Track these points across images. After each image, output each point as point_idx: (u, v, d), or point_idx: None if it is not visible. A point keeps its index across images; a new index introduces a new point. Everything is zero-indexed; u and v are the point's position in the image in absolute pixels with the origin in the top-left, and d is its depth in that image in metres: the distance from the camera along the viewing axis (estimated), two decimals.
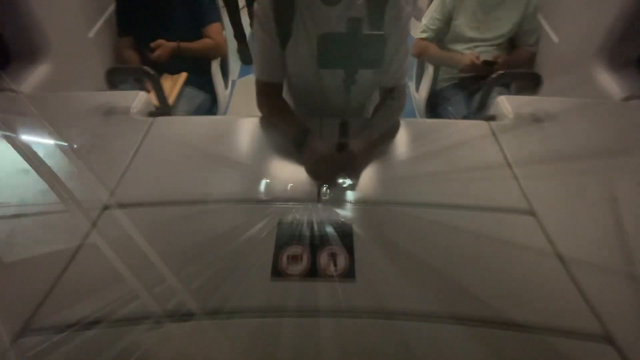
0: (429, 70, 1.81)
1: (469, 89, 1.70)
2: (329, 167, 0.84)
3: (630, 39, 1.30)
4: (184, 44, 1.67)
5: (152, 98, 1.18)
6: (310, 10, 0.94)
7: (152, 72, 1.18)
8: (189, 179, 0.87)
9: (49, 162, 0.85)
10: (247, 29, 2.97)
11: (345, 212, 0.78)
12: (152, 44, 1.61)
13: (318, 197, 0.82)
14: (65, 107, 1.09)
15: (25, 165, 0.85)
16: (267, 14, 0.94)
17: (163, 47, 1.61)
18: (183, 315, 0.61)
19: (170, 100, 1.52)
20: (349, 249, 0.71)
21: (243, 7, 3.04)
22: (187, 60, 1.71)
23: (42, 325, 0.60)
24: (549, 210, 0.78)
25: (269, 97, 1.05)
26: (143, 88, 1.51)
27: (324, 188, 0.84)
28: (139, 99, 1.09)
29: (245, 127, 1.05)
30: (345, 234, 0.74)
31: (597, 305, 0.62)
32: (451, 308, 0.63)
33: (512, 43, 1.75)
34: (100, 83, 1.50)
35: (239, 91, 2.62)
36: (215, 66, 1.82)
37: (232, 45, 2.04)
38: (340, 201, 0.81)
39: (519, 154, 0.92)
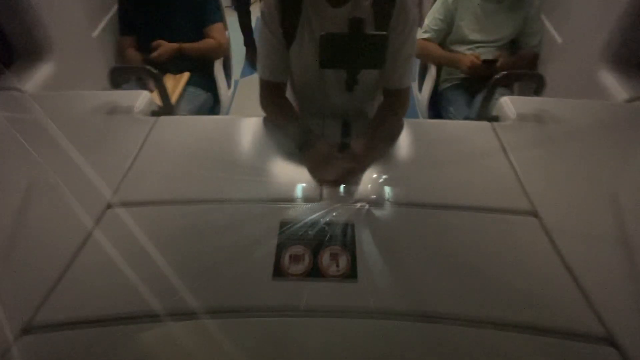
0: (432, 70, 1.81)
1: (471, 90, 1.70)
2: (332, 167, 0.84)
3: (634, 40, 1.30)
4: (186, 45, 1.67)
5: (155, 97, 1.18)
6: (316, 11, 0.94)
7: (155, 71, 1.18)
8: (192, 178, 0.87)
9: (51, 160, 0.85)
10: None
11: (347, 212, 0.78)
12: (153, 44, 1.61)
13: (320, 197, 0.82)
14: (69, 106, 1.09)
15: (28, 164, 0.85)
16: (273, 14, 0.94)
17: (163, 46, 1.61)
18: (185, 314, 0.61)
19: (173, 99, 1.52)
20: (351, 249, 0.71)
21: (255, 1, 3.03)
22: (190, 60, 1.71)
23: (45, 323, 0.60)
24: (551, 211, 0.78)
25: (272, 97, 1.05)
26: (146, 87, 1.51)
27: (326, 188, 0.84)
28: (142, 99, 1.09)
29: (247, 127, 1.05)
30: (347, 234, 0.74)
31: (599, 307, 0.62)
32: (452, 309, 0.63)
33: (515, 44, 1.75)
34: (104, 82, 1.50)
35: (241, 91, 2.63)
36: (217, 66, 1.83)
37: (234, 45, 2.04)
38: (342, 201, 0.81)
39: (521, 155, 0.92)
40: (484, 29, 1.68)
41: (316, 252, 0.71)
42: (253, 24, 2.98)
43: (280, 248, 0.71)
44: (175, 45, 1.64)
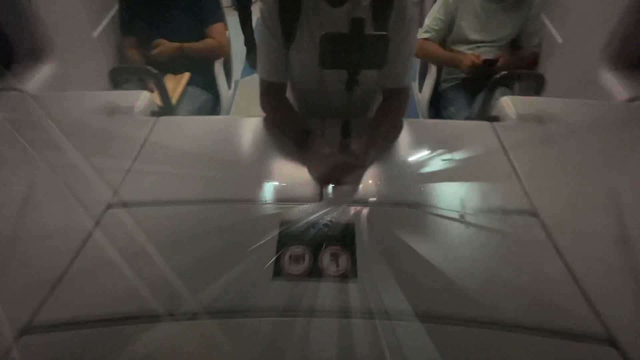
0: (432, 70, 1.81)
1: (472, 90, 1.70)
2: (331, 167, 0.84)
3: (634, 40, 1.29)
4: (186, 45, 1.67)
5: (155, 98, 1.18)
6: (315, 11, 0.94)
7: (155, 71, 1.18)
8: (192, 178, 0.87)
9: (52, 161, 0.85)
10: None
11: (347, 212, 0.78)
12: (153, 43, 1.62)
13: (320, 197, 0.82)
14: (69, 106, 1.09)
15: (28, 164, 0.86)
16: (272, 14, 0.94)
17: (164, 44, 1.61)
18: (185, 315, 0.61)
19: (173, 100, 1.52)
20: (351, 249, 0.71)
21: (255, 1, 3.04)
22: (190, 60, 1.71)
23: (45, 323, 0.60)
24: (551, 211, 0.78)
25: (272, 97, 1.05)
26: (146, 88, 1.51)
27: (326, 188, 0.84)
28: (142, 99, 1.09)
29: (247, 127, 1.05)
30: (347, 234, 0.74)
31: (599, 307, 0.62)
32: (453, 309, 0.63)
33: (515, 44, 1.75)
34: (104, 82, 1.50)
35: (241, 91, 2.63)
36: (218, 66, 1.83)
37: (235, 45, 2.04)
38: (342, 201, 0.81)
39: (521, 155, 0.92)
40: (485, 28, 1.67)
41: (316, 252, 0.70)
42: (254, 24, 2.98)
43: (280, 248, 0.71)
44: (175, 44, 1.64)
